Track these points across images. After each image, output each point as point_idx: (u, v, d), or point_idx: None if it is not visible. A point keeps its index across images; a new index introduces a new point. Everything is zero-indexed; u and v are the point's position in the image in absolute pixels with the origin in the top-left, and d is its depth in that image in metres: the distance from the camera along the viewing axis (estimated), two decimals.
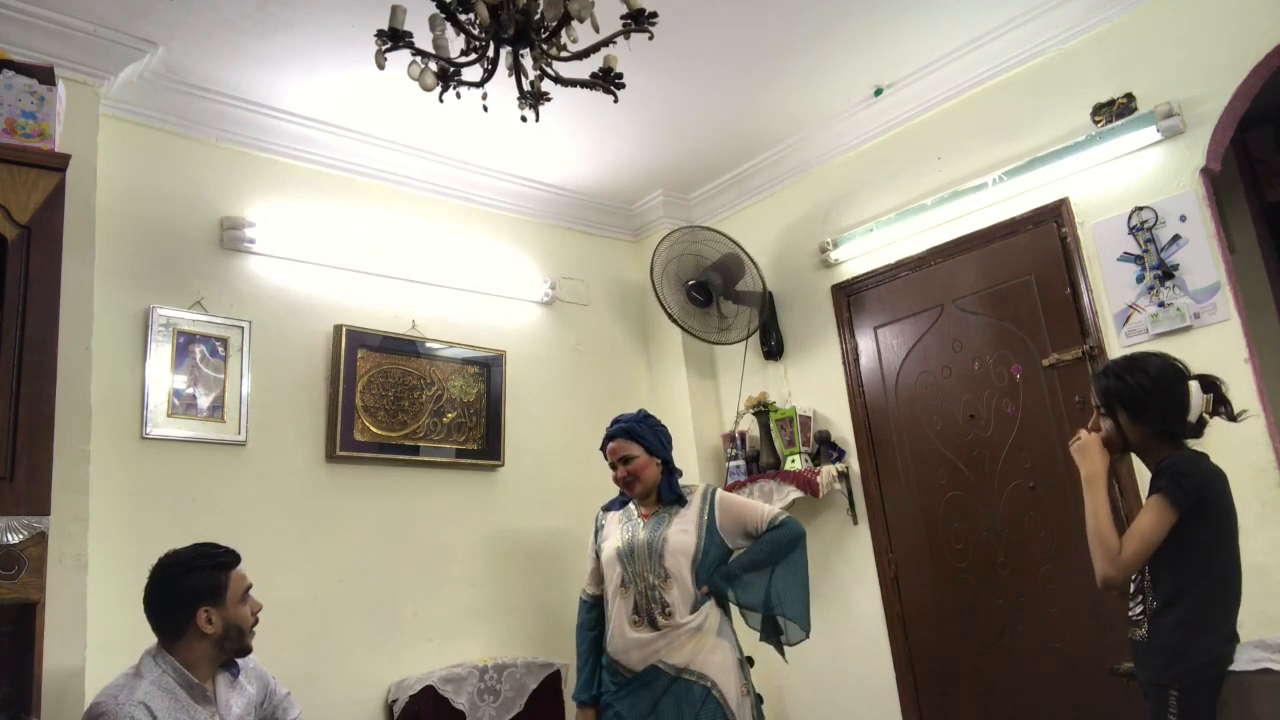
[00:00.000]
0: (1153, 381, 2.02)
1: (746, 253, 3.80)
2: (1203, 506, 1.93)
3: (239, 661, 2.14)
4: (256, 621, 2.14)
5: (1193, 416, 2.00)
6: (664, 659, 2.58)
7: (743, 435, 3.87)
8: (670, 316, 3.78)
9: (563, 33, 2.06)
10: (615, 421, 2.88)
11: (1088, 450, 2.10)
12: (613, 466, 2.84)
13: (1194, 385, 2.02)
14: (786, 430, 3.66)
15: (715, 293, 3.84)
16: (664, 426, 2.91)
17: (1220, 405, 2.04)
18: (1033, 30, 3.13)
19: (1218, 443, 2.12)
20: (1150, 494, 1.97)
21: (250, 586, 2.14)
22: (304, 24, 2.78)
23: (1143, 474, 2.54)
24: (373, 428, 3.26)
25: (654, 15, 2.05)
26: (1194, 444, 2.06)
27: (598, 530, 2.91)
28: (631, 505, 2.85)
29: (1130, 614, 2.05)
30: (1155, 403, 2.01)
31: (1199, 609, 1.91)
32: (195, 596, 2.01)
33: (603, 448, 2.87)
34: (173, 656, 2.00)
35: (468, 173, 3.73)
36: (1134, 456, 2.17)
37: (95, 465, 2.51)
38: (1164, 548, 1.96)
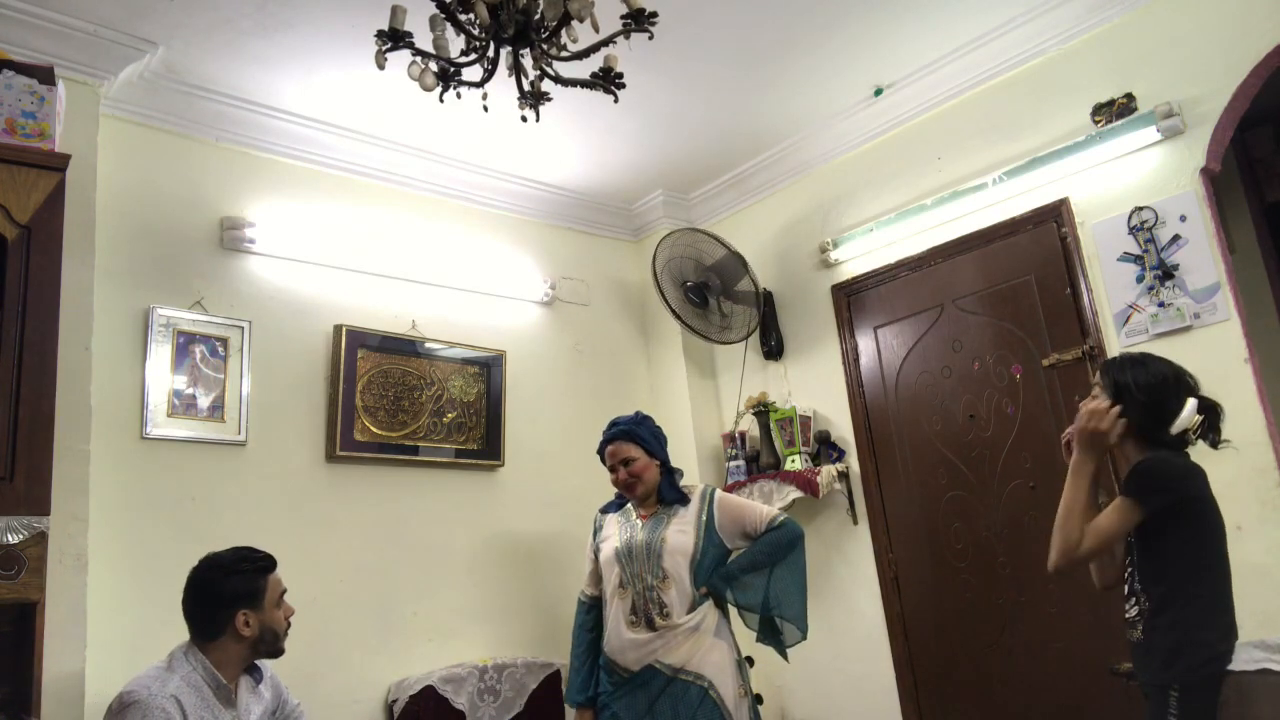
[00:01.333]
0: (1142, 377, 2.02)
1: (742, 257, 3.80)
2: (1184, 505, 1.92)
3: (260, 667, 2.17)
4: (289, 625, 2.17)
5: (1175, 429, 1.99)
6: (660, 659, 2.58)
7: (743, 435, 3.87)
8: (673, 313, 3.77)
9: (563, 33, 2.06)
10: (612, 425, 2.87)
11: (1098, 437, 2.01)
12: (612, 469, 2.83)
13: (1191, 402, 2.00)
14: (786, 430, 3.66)
15: (713, 294, 3.84)
16: (659, 427, 2.90)
17: (1209, 431, 2.03)
18: (1033, 30, 3.13)
19: None
20: (1120, 494, 1.97)
21: (285, 591, 2.18)
22: (304, 24, 2.78)
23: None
24: (373, 428, 3.26)
25: (654, 15, 2.05)
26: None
27: (596, 531, 2.90)
28: (630, 506, 2.85)
29: (1125, 615, 2.05)
30: (1141, 400, 2.00)
31: (1194, 607, 1.91)
32: (236, 599, 2.06)
33: (600, 451, 2.87)
34: (204, 656, 2.03)
35: (468, 173, 3.73)
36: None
37: (95, 465, 2.51)
38: (1153, 547, 1.96)
